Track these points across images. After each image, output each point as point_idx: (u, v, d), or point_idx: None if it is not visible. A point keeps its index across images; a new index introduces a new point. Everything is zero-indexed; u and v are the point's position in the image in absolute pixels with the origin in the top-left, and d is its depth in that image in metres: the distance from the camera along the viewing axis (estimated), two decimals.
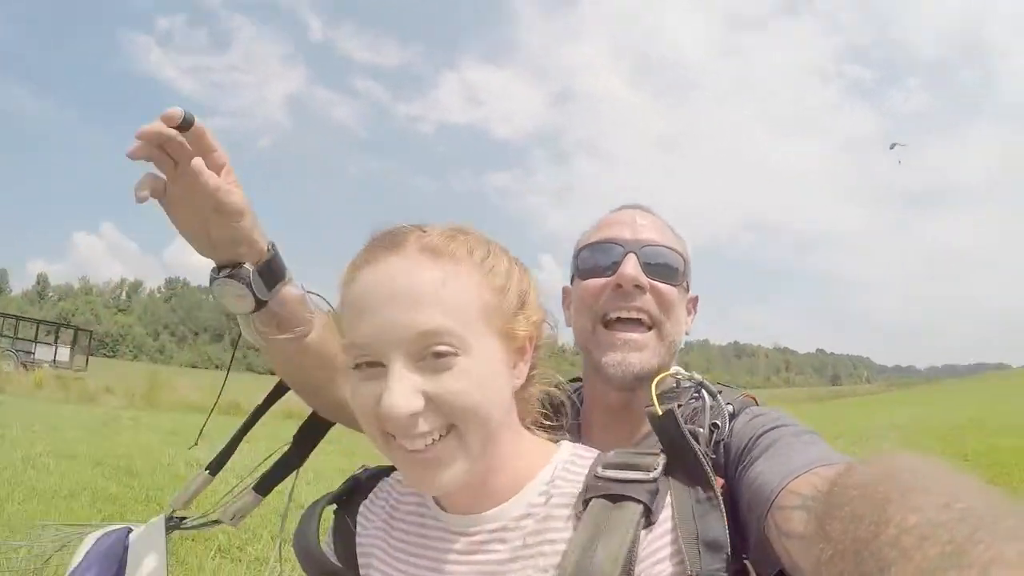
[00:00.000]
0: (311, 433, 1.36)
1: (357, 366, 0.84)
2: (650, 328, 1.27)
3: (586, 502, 0.89)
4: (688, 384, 1.23)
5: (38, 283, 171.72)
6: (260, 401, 1.39)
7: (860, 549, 0.55)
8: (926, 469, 0.62)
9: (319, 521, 1.04)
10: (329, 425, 1.34)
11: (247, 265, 1.04)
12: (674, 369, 1.25)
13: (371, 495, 1.08)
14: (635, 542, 0.82)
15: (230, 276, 1.03)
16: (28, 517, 6.03)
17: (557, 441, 1.03)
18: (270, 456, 1.41)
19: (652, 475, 0.89)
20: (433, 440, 0.83)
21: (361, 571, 1.01)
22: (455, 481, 0.85)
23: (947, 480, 0.58)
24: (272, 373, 1.29)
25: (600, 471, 0.92)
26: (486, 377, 0.85)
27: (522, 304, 0.93)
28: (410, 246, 0.85)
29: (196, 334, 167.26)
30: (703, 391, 1.18)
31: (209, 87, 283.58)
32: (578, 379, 1.43)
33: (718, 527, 0.86)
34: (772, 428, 1.05)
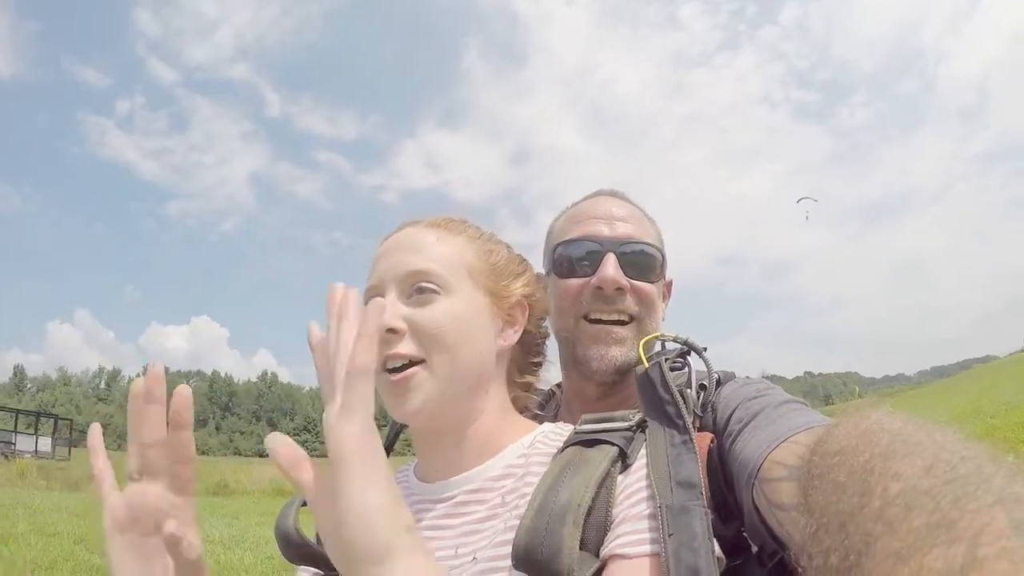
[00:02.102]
0: None
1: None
2: (629, 322, 1.28)
3: (562, 451, 0.95)
4: (674, 346, 1.22)
5: (15, 374, 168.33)
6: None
7: (845, 522, 0.53)
8: (905, 428, 0.60)
9: (297, 509, 1.04)
10: None
11: None
12: (659, 332, 1.26)
13: None
14: (609, 480, 0.88)
15: None
16: None
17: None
18: None
19: (627, 424, 0.97)
20: (406, 364, 0.94)
21: None
22: (424, 405, 0.95)
23: (928, 439, 0.57)
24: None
25: (579, 427, 0.99)
26: (463, 318, 0.98)
27: (513, 276, 1.08)
28: (423, 221, 1.07)
29: None
30: (689, 354, 1.18)
31: (171, 170, 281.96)
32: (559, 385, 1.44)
33: (691, 467, 0.87)
34: (756, 397, 1.05)
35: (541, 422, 1.12)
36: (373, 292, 1.00)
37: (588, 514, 0.84)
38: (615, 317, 1.27)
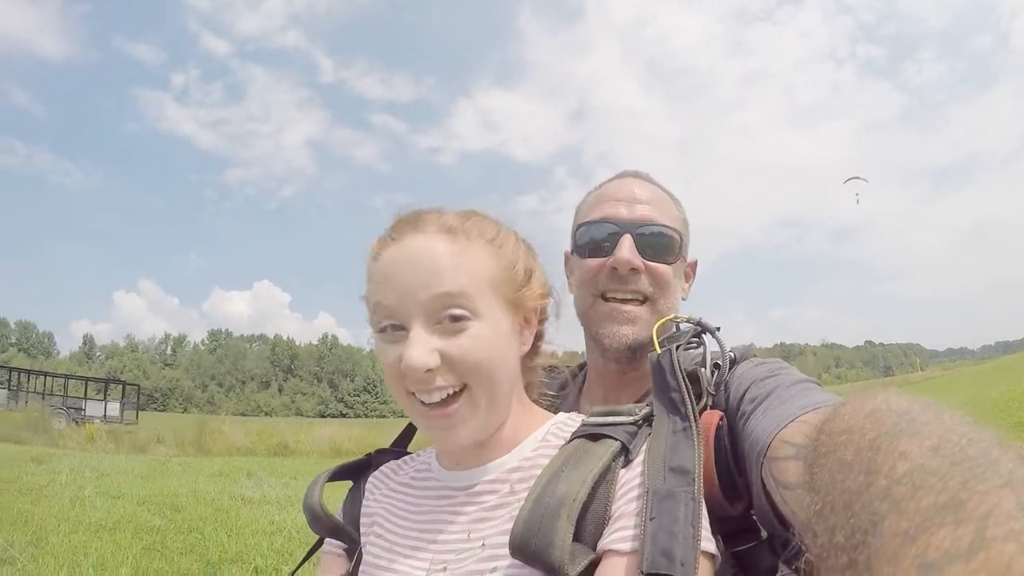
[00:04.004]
0: None
1: (382, 329, 0.97)
2: (644, 302, 1.33)
3: (568, 443, 0.98)
4: (688, 327, 1.23)
5: (84, 343, 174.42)
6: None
7: (851, 501, 0.53)
8: (913, 408, 0.60)
9: (322, 487, 1.15)
10: None
11: None
12: (674, 314, 1.29)
13: (380, 469, 1.18)
14: (610, 474, 0.90)
15: None
16: (72, 547, 6.21)
17: (556, 411, 1.13)
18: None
19: (632, 418, 0.97)
20: (447, 395, 0.94)
21: (363, 533, 1.10)
22: (469, 434, 0.97)
23: (936, 420, 0.57)
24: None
25: (587, 419, 1.01)
26: (495, 340, 0.97)
27: (528, 279, 1.06)
28: (430, 226, 0.99)
29: (243, 383, 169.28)
30: (703, 334, 1.21)
31: (229, 139, 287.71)
32: (584, 364, 1.52)
33: (687, 454, 0.88)
34: (768, 377, 1.06)
35: (558, 407, 1.17)
36: (388, 313, 0.96)
37: (587, 508, 0.86)
38: (629, 296, 1.33)
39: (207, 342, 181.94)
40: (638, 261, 1.31)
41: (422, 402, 0.96)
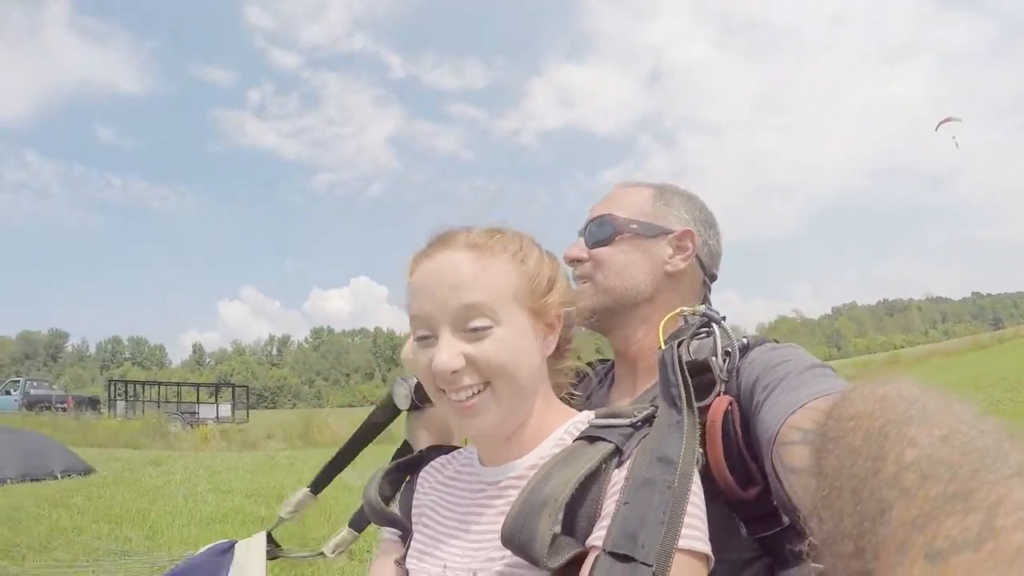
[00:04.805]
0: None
1: (419, 338, 1.06)
2: (587, 281, 1.44)
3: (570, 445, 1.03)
4: (695, 319, 1.26)
5: (194, 352, 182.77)
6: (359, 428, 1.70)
7: (859, 487, 0.53)
8: (923, 397, 0.60)
9: (378, 483, 1.25)
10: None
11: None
12: (679, 309, 1.30)
13: (431, 464, 1.27)
14: (603, 475, 0.94)
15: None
16: (184, 539, 6.61)
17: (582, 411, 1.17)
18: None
19: (630, 421, 1.01)
20: (473, 393, 1.03)
21: (414, 523, 1.20)
22: (490, 425, 1.05)
23: (945, 409, 0.56)
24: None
25: (592, 420, 1.06)
26: (516, 344, 1.04)
27: (551, 287, 1.13)
28: (458, 243, 1.07)
29: (348, 376, 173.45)
30: (712, 323, 1.21)
31: (312, 146, 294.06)
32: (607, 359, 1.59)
33: (674, 445, 0.91)
34: (780, 364, 1.07)
35: (588, 406, 1.23)
36: (421, 323, 1.06)
37: (579, 507, 0.92)
38: (582, 281, 1.46)
39: (310, 340, 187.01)
40: (583, 254, 1.45)
41: (451, 398, 1.04)
